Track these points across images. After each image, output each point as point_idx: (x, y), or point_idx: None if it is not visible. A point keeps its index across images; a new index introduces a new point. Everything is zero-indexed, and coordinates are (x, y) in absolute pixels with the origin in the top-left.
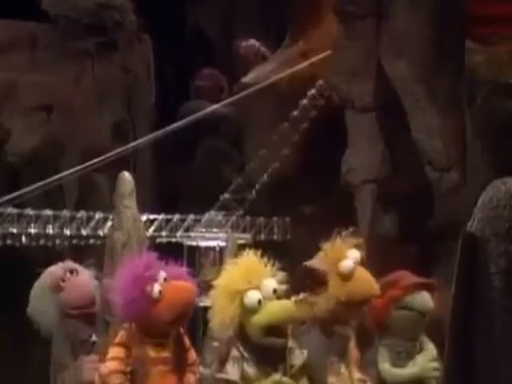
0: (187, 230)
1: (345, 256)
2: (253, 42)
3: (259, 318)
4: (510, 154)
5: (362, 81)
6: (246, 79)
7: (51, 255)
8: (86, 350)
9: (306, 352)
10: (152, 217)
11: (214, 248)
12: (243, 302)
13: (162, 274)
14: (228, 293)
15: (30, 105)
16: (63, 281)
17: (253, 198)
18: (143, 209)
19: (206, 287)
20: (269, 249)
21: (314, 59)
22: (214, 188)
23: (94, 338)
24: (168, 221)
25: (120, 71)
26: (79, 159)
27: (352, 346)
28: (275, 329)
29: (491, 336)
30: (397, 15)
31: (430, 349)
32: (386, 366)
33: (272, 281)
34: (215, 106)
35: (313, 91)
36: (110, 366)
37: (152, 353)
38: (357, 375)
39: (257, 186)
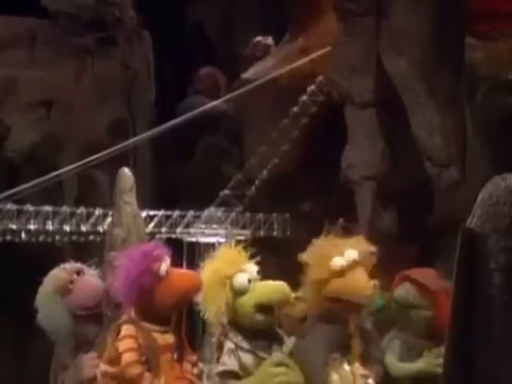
0: (187, 226)
1: (339, 252)
2: (260, 38)
3: (251, 297)
4: (510, 151)
5: (361, 77)
6: (245, 75)
7: (51, 251)
8: (87, 348)
9: (293, 339)
10: (152, 213)
11: (213, 244)
12: (233, 285)
13: (168, 260)
14: (217, 280)
15: (30, 101)
16: (71, 283)
17: (252, 194)
18: (143, 205)
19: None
20: (268, 245)
21: (313, 55)
22: (213, 184)
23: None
24: (168, 217)
25: (120, 67)
26: (79, 155)
27: (355, 343)
28: (266, 308)
29: (491, 333)
30: (397, 12)
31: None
32: (392, 359)
33: (253, 265)
34: (215, 102)
35: (313, 87)
36: (127, 357)
37: (160, 341)
38: (360, 371)
39: (256, 183)
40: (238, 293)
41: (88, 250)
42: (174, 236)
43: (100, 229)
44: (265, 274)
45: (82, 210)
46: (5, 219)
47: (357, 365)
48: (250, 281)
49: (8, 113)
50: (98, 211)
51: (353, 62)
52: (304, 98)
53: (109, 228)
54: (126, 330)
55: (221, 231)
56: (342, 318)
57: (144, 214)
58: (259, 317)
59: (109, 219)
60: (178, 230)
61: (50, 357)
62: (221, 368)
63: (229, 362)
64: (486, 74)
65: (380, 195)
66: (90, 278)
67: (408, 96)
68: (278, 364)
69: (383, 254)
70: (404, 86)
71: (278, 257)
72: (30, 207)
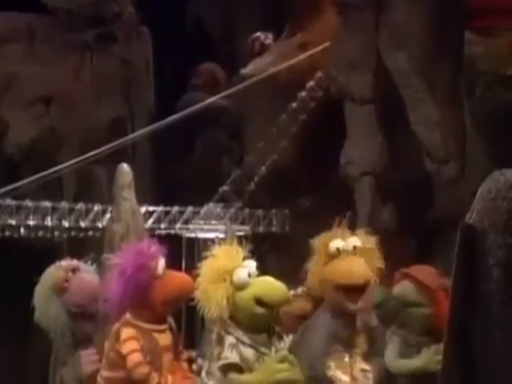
0: (186, 222)
1: (339, 237)
2: (261, 34)
3: (252, 290)
4: (509, 146)
5: (361, 73)
6: (244, 71)
7: (50, 247)
8: (85, 344)
9: (290, 337)
10: (151, 209)
11: (212, 240)
12: (233, 280)
13: (163, 259)
14: (217, 275)
15: (29, 97)
16: (66, 281)
17: (251, 190)
18: (142, 201)
19: None
20: (267, 241)
21: (312, 51)
22: (212, 180)
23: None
24: (167, 213)
25: (119, 63)
26: (78, 151)
27: (360, 341)
28: (264, 303)
29: (490, 328)
30: (396, 7)
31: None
32: (391, 356)
33: (252, 261)
34: (214, 98)
35: (312, 83)
36: (133, 358)
37: (161, 341)
38: (360, 365)
39: (255, 178)
40: (238, 287)
41: (87, 246)
42: (173, 232)
43: (99, 224)
44: (264, 270)
45: (81, 205)
46: (4, 215)
47: (358, 359)
48: (249, 275)
49: (7, 109)
50: (96, 207)
51: (352, 57)
52: (303, 93)
53: (108, 224)
54: (127, 332)
55: (220, 227)
56: (346, 311)
57: (143, 209)
58: (259, 309)
59: (108, 215)
60: (177, 225)
61: (49, 353)
62: (223, 362)
63: (230, 356)
64: (485, 70)
65: (379, 191)
66: (86, 276)
67: (407, 92)
68: (282, 360)
69: (382, 250)
70: (403, 81)
71: (277, 252)
72: (29, 203)
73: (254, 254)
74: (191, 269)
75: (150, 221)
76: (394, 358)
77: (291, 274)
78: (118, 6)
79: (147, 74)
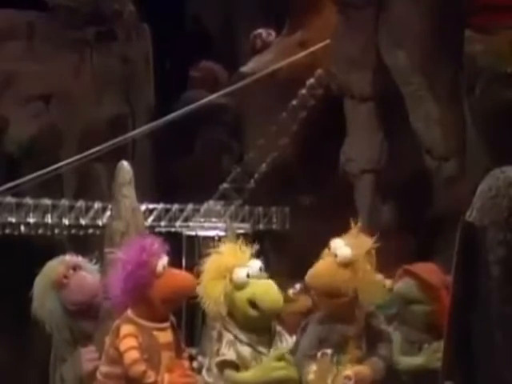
0: (186, 219)
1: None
2: (262, 31)
3: (247, 293)
4: (509, 144)
5: (360, 70)
6: (244, 68)
7: (50, 245)
8: (85, 342)
9: (293, 338)
10: (151, 206)
11: (213, 237)
12: (232, 278)
13: (165, 257)
14: (218, 271)
15: (29, 94)
16: (66, 277)
17: (252, 187)
18: (142, 198)
19: None
20: (268, 238)
21: (312, 49)
22: (212, 178)
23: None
24: (167, 210)
25: (119, 61)
26: (78, 148)
27: (352, 345)
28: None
29: (490, 325)
30: (396, 5)
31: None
32: (393, 353)
33: (257, 261)
34: (214, 95)
35: (311, 81)
36: (131, 355)
37: (161, 339)
38: (346, 372)
39: (255, 176)
40: (236, 286)
41: (87, 244)
42: (173, 230)
43: (99, 222)
44: (264, 268)
45: (81, 203)
46: (4, 212)
47: (347, 366)
48: (249, 276)
49: (7, 106)
50: (97, 205)
51: (352, 55)
52: (303, 91)
53: (108, 221)
54: (126, 329)
55: (220, 225)
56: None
57: (143, 207)
58: (252, 312)
59: (108, 213)
60: (178, 223)
61: (49, 350)
62: (220, 358)
63: (228, 353)
64: (485, 67)
65: (379, 189)
66: (86, 274)
67: (407, 89)
68: (279, 358)
69: (382, 248)
70: (403, 79)
71: (277, 250)
72: (29, 200)
73: (260, 253)
74: (191, 266)
75: (151, 218)
76: (396, 355)
77: (291, 272)
78: (118, 3)
79: (147, 71)
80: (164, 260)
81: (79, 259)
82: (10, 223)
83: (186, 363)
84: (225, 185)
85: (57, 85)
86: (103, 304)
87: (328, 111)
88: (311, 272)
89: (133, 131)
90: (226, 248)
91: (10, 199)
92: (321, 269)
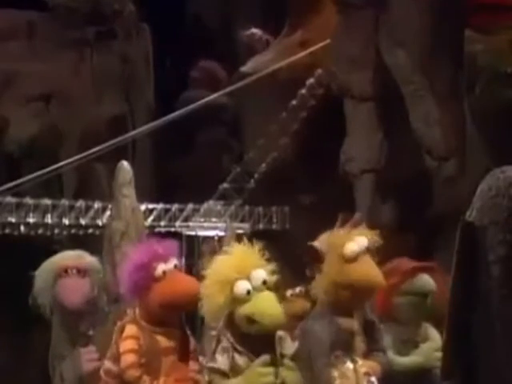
0: (186, 219)
1: (351, 239)
2: (256, 30)
3: (246, 309)
4: (509, 143)
5: (361, 70)
6: (244, 68)
7: (50, 245)
8: (83, 341)
9: (296, 343)
10: (151, 206)
11: (212, 237)
12: (233, 291)
13: (174, 261)
14: (218, 282)
15: (29, 94)
16: (66, 272)
17: (251, 187)
18: (142, 198)
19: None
20: (267, 238)
21: (312, 48)
22: (212, 177)
23: (91, 332)
24: (167, 210)
25: (119, 60)
26: (78, 148)
27: (358, 340)
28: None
29: (490, 324)
30: (396, 4)
31: (435, 337)
32: (389, 354)
33: (262, 271)
34: (214, 95)
35: (311, 80)
36: (128, 359)
37: (163, 343)
38: (363, 369)
39: (255, 176)
40: (237, 300)
41: (87, 244)
42: (173, 229)
43: (99, 222)
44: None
45: (81, 203)
46: (4, 212)
47: (360, 362)
48: (249, 292)
49: (7, 106)
50: (97, 204)
51: (352, 54)
52: (303, 91)
53: (108, 221)
54: (129, 330)
55: (220, 224)
56: (348, 309)
57: (143, 207)
58: (250, 328)
59: (108, 212)
60: (177, 223)
61: (49, 347)
62: (210, 364)
63: (220, 360)
64: (485, 67)
65: (379, 188)
66: (76, 280)
67: (407, 89)
68: (266, 364)
69: (382, 247)
70: (403, 78)
71: (277, 250)
72: (29, 200)
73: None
74: (191, 266)
75: (150, 218)
76: (392, 356)
77: (291, 272)
78: (118, 3)
79: (147, 71)
80: (169, 264)
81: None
82: (10, 223)
83: (193, 367)
84: (225, 185)
85: (57, 84)
86: (103, 305)
87: (328, 111)
88: (376, 272)
89: (133, 131)
90: (234, 253)
91: (9, 199)
92: (376, 268)
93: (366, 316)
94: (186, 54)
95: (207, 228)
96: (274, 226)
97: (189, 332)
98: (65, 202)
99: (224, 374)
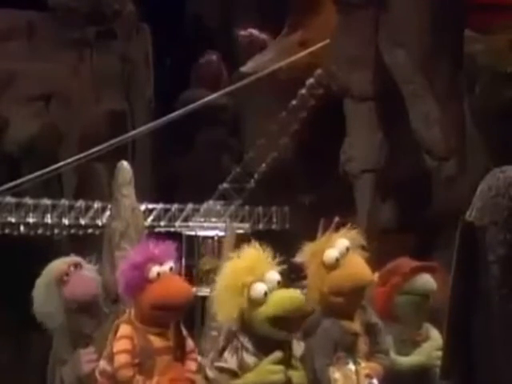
0: (186, 219)
1: (330, 245)
2: (252, 30)
3: (266, 310)
4: (509, 142)
5: (360, 70)
6: (244, 68)
7: (50, 244)
8: (85, 343)
9: (302, 344)
10: (151, 206)
11: (212, 237)
12: (249, 294)
13: (170, 264)
14: (234, 286)
15: (29, 94)
16: (67, 275)
17: (251, 187)
18: (142, 198)
19: (204, 277)
20: (267, 238)
21: (312, 48)
22: (212, 177)
23: (94, 334)
24: (167, 210)
25: (118, 60)
26: (77, 148)
27: (361, 342)
28: (282, 320)
29: (489, 324)
30: (396, 4)
31: (436, 337)
32: (391, 354)
33: (275, 273)
34: (213, 96)
35: (311, 80)
36: (120, 359)
37: (156, 343)
38: (365, 371)
39: (255, 176)
40: (255, 303)
41: (87, 244)
42: (172, 229)
43: (99, 222)
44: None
45: (80, 203)
46: (4, 212)
47: (362, 364)
48: (266, 294)
49: (7, 106)
50: (96, 204)
51: (352, 54)
52: (303, 91)
53: (107, 221)
54: (123, 330)
55: (220, 224)
56: (347, 312)
57: (143, 207)
58: (274, 331)
59: (107, 212)
60: (177, 223)
61: (48, 350)
62: (220, 364)
63: (229, 360)
64: (484, 66)
65: (379, 188)
66: (86, 273)
67: (407, 88)
68: (277, 362)
69: (382, 246)
70: (403, 78)
71: (277, 250)
72: (28, 200)
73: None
74: (191, 266)
75: (150, 218)
76: (393, 356)
77: (291, 272)
78: (118, 3)
79: (147, 70)
80: (165, 267)
81: (80, 259)
82: (10, 223)
83: (189, 367)
84: (225, 185)
85: (57, 84)
86: (103, 306)
87: (328, 111)
88: (361, 270)
89: (132, 131)
90: (245, 257)
91: (9, 199)
92: (358, 264)
93: (368, 317)
94: (185, 54)
95: (207, 228)
96: (273, 226)
97: (185, 332)
98: (64, 201)
99: (234, 374)
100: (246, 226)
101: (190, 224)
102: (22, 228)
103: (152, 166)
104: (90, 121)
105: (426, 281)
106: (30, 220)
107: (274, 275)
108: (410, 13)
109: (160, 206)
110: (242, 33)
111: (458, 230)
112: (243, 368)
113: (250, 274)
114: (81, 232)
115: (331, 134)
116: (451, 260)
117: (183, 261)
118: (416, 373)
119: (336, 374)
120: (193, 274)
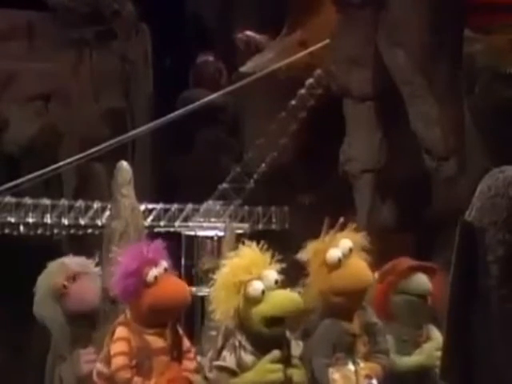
0: (185, 219)
1: (333, 245)
2: (248, 32)
3: (263, 309)
4: (508, 143)
5: (360, 70)
6: (243, 68)
7: (49, 245)
8: (84, 343)
9: (301, 343)
10: (150, 206)
11: (212, 237)
12: (246, 292)
13: (164, 264)
14: (231, 283)
15: (28, 94)
16: (65, 287)
17: (251, 187)
18: (141, 198)
19: (204, 277)
20: (267, 238)
21: (312, 48)
22: (212, 177)
23: (94, 334)
24: (166, 210)
25: (118, 60)
26: (77, 148)
27: (360, 342)
28: (278, 320)
29: (489, 324)
30: (395, 4)
31: (437, 337)
32: (391, 355)
33: (273, 272)
34: (213, 96)
35: (311, 80)
36: (118, 361)
37: (154, 343)
38: (364, 372)
39: (255, 176)
40: (252, 301)
41: (86, 244)
42: (172, 229)
43: (98, 222)
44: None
45: (80, 203)
46: (3, 212)
47: (362, 365)
48: (263, 292)
49: (6, 106)
50: (96, 204)
51: (351, 54)
52: (302, 91)
53: (107, 221)
54: (120, 332)
55: (219, 224)
56: (347, 313)
57: (143, 207)
58: (269, 330)
59: (107, 212)
60: (177, 223)
61: (47, 349)
62: (219, 363)
63: (228, 359)
64: (484, 67)
65: (378, 188)
66: (85, 284)
67: (406, 88)
68: (275, 361)
69: (381, 247)
70: (402, 78)
71: (276, 250)
72: (28, 200)
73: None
74: (191, 266)
75: (150, 218)
76: (393, 356)
77: (291, 271)
78: (118, 3)
79: (146, 70)
80: (159, 268)
81: (80, 263)
82: (10, 223)
83: (187, 367)
84: (224, 185)
85: (56, 84)
86: (102, 307)
87: (328, 111)
88: (362, 272)
89: (132, 131)
90: (243, 255)
91: (9, 199)
92: (360, 266)
93: (368, 318)
94: (185, 54)
95: (207, 228)
96: (273, 226)
97: (181, 332)
98: (64, 201)
99: (233, 373)
100: (246, 226)
101: (190, 224)
102: (21, 228)
103: (152, 166)
104: (90, 121)
105: (421, 281)
106: (30, 220)
107: (271, 274)
108: (409, 13)
109: (160, 205)
110: (239, 35)
111: (458, 230)
112: (241, 367)
113: (248, 272)
114: (80, 232)
115: (331, 133)
116: (451, 260)
117: (182, 261)
118: (416, 373)
119: (335, 375)
120: (192, 274)
